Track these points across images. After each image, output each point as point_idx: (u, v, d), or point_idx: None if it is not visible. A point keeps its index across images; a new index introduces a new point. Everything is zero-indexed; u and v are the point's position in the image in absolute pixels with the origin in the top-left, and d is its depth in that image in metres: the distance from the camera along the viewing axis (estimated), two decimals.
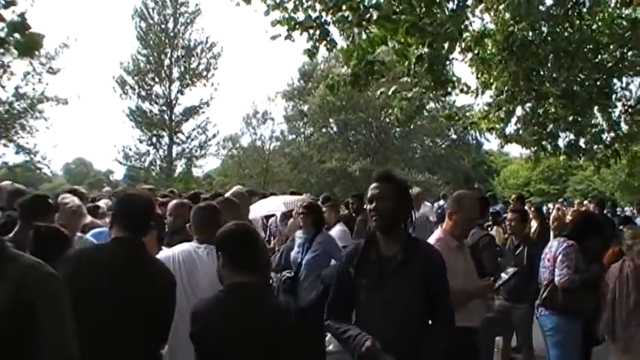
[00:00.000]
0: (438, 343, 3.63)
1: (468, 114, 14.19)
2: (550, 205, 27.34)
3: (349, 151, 46.41)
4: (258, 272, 3.64)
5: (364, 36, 8.21)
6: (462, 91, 11.49)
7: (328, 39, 8.38)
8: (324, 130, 48.49)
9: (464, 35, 9.41)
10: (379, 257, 3.74)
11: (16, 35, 4.13)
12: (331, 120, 47.58)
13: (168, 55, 40.16)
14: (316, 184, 42.93)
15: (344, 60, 8.88)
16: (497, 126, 12.95)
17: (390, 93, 10.21)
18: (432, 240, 4.91)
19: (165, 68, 40.19)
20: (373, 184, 3.82)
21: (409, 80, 9.36)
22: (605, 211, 13.90)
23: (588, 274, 6.05)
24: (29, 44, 4.18)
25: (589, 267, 6.12)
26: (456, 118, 13.96)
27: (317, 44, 8.43)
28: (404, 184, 3.98)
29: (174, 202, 7.34)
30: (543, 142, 13.02)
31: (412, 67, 8.62)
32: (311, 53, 8.62)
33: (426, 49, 8.23)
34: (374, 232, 3.83)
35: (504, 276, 5.24)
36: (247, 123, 48.84)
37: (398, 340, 3.53)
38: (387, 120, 46.30)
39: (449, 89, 9.96)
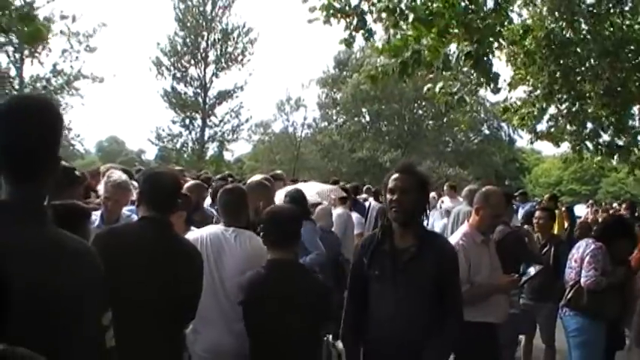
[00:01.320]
0: (442, 343, 3.66)
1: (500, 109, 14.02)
2: (583, 207, 26.90)
3: (380, 142, 46.40)
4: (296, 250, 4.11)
5: (399, 36, 8.18)
6: (509, 84, 11.46)
7: (366, 28, 8.35)
8: (356, 119, 48.57)
9: (503, 31, 9.31)
10: (392, 249, 3.74)
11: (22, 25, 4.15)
12: (364, 109, 47.64)
13: (205, 37, 40.30)
14: (346, 173, 42.91)
15: (385, 54, 8.76)
16: (530, 122, 12.86)
17: (437, 90, 10.11)
18: (458, 234, 4.94)
19: (201, 51, 40.36)
20: (395, 175, 3.77)
21: (449, 75, 9.27)
22: (636, 214, 13.72)
23: (615, 277, 6.01)
24: (33, 35, 4.20)
25: (615, 270, 6.07)
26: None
27: (354, 33, 8.41)
28: (425, 177, 3.96)
29: (191, 181, 7.39)
30: (586, 142, 12.91)
31: (452, 62, 8.52)
32: (348, 42, 8.61)
33: (472, 46, 8.14)
34: (390, 223, 3.81)
35: (529, 273, 5.23)
36: (280, 109, 49.02)
37: (408, 332, 3.58)
38: (420, 112, 46.23)
39: (498, 84, 9.80)
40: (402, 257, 3.69)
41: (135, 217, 5.19)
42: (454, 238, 4.84)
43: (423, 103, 44.36)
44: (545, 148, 75.15)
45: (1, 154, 1.90)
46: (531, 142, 14.91)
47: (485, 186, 5.53)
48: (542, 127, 13.33)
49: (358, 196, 13.29)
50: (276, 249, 3.95)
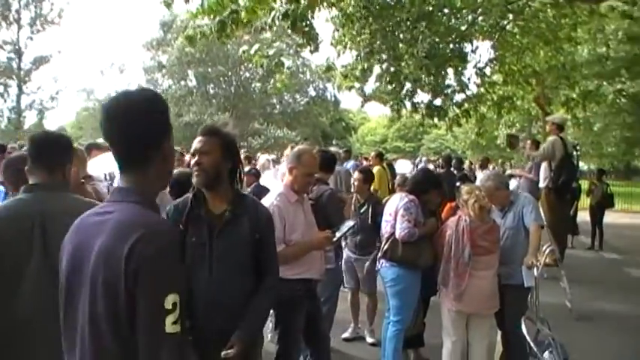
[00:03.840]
0: (262, 302, 3.66)
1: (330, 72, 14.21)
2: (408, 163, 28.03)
3: (207, 105, 46.08)
4: None
5: None
6: (331, 44, 11.61)
7: None
8: (182, 82, 47.84)
9: None
10: (208, 215, 3.68)
11: None
12: (190, 72, 46.97)
13: None
14: (174, 137, 42.24)
15: (200, 17, 8.63)
16: (357, 84, 13.18)
17: (252, 52, 10.08)
18: (273, 195, 5.00)
19: (13, 12, 38.06)
20: (197, 138, 3.73)
21: (270, 36, 9.33)
22: (451, 168, 14.48)
23: (426, 228, 6.31)
24: None
25: (427, 221, 6.38)
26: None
27: None
28: (230, 138, 3.85)
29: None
30: (404, 101, 13.38)
31: (274, 22, 8.53)
32: (167, 3, 8.43)
33: (290, 6, 8.16)
34: (200, 188, 3.73)
35: (342, 229, 5.37)
36: (103, 74, 47.54)
37: (227, 298, 3.53)
38: (247, 74, 46.18)
39: (317, 45, 9.90)
40: (217, 223, 3.63)
41: None
42: (269, 199, 4.90)
43: (250, 65, 44.37)
44: (371, 108, 77.61)
45: None
46: (362, 105, 15.36)
47: (306, 146, 5.64)
48: (368, 89, 13.73)
49: None
50: None
